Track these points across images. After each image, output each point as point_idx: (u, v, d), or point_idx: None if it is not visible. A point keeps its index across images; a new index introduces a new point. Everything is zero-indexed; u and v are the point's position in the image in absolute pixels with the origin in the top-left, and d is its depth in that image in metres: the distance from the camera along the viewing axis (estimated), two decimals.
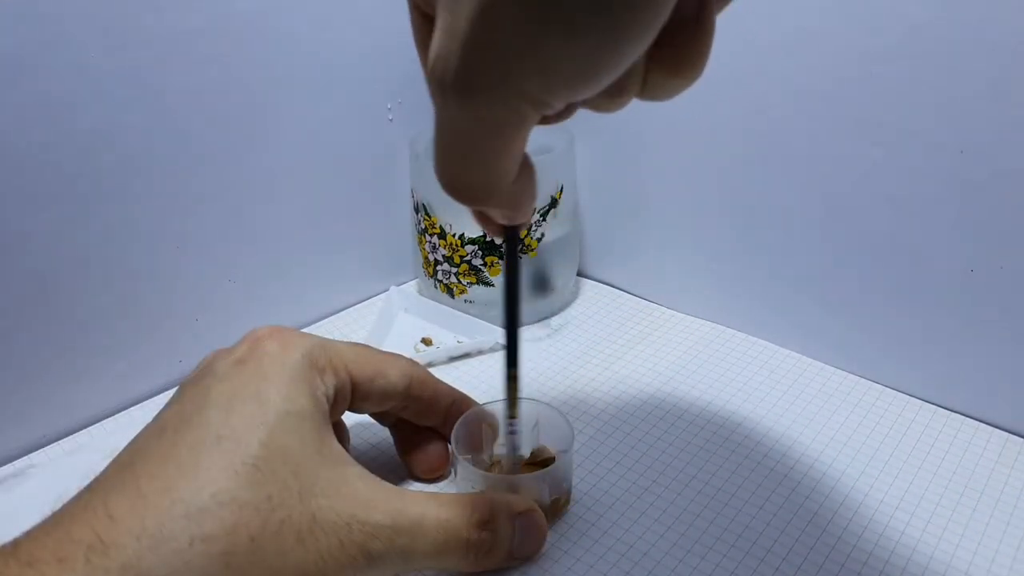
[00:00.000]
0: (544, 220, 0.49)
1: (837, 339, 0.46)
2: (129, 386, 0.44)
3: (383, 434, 0.40)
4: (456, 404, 0.37)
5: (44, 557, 0.23)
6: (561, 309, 0.55)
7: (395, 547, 0.28)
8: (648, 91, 0.19)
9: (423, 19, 0.21)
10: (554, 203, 0.49)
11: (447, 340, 0.50)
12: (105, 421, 0.43)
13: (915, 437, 0.41)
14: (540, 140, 0.51)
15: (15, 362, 0.39)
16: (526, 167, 0.23)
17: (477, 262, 0.50)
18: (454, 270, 0.51)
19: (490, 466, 0.37)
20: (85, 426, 0.43)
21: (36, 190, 0.38)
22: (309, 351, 0.31)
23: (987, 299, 0.39)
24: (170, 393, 0.30)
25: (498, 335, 0.49)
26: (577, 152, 0.52)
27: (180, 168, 0.43)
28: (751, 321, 0.50)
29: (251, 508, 0.25)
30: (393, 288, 0.55)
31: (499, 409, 0.37)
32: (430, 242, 0.51)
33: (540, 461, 0.37)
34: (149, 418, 0.29)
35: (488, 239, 0.49)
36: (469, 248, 0.49)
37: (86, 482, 0.26)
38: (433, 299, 0.53)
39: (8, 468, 0.40)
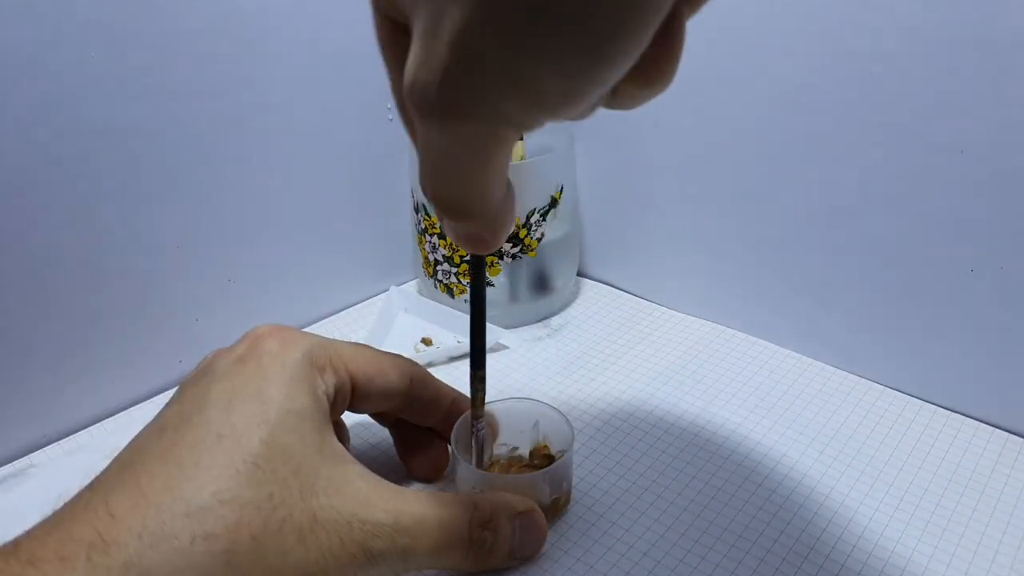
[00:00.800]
0: (544, 220, 0.49)
1: (837, 339, 0.46)
2: (129, 386, 0.44)
3: (383, 434, 0.40)
4: (456, 404, 0.37)
5: (46, 556, 0.23)
6: (561, 309, 0.55)
7: (396, 546, 0.28)
8: (617, 101, 0.19)
9: (392, 26, 0.21)
10: (554, 203, 0.49)
11: (447, 340, 0.50)
12: (105, 421, 0.43)
13: (915, 437, 0.41)
14: (540, 140, 0.51)
15: (15, 362, 0.39)
16: (508, 192, 0.22)
17: None
18: (454, 270, 0.51)
19: (490, 466, 0.37)
20: (85, 426, 0.43)
21: (36, 190, 0.38)
22: (309, 350, 0.31)
23: (987, 299, 0.39)
24: (170, 393, 0.30)
25: (498, 335, 0.49)
26: (577, 152, 0.52)
27: (180, 168, 0.43)
28: (751, 321, 0.50)
29: (252, 506, 0.25)
30: (393, 288, 0.55)
31: (499, 409, 0.37)
32: (430, 242, 0.51)
33: (540, 461, 0.37)
34: (149, 418, 0.29)
35: None
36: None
37: (86, 482, 0.26)
38: (433, 299, 0.53)
39: (8, 468, 0.40)
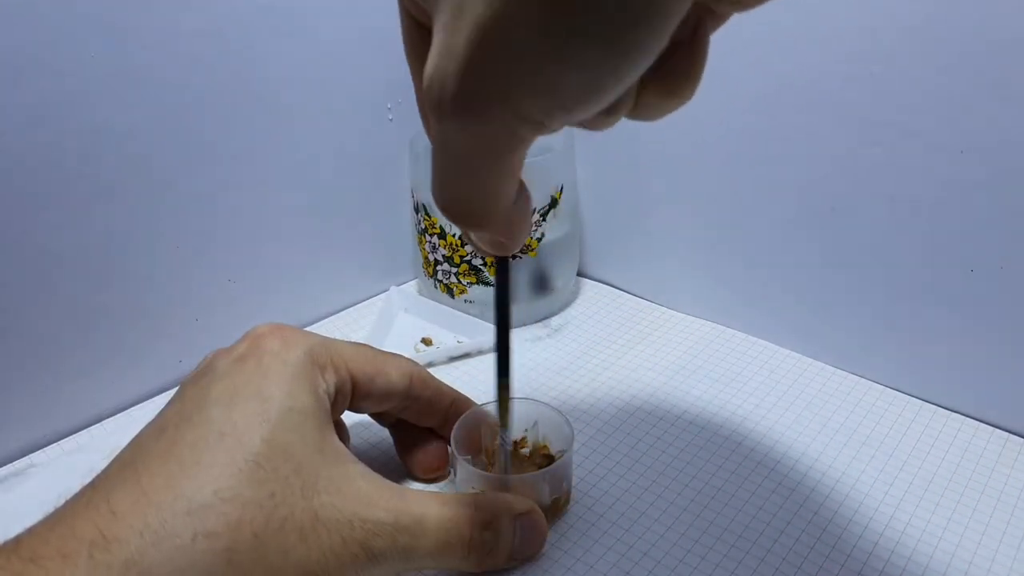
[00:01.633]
0: (544, 220, 0.49)
1: (837, 339, 0.46)
2: (129, 386, 0.44)
3: (383, 434, 0.40)
4: (455, 404, 0.37)
5: (47, 553, 0.23)
6: (561, 309, 0.55)
7: (397, 545, 0.28)
8: (639, 111, 0.19)
9: (416, 27, 0.21)
10: (554, 203, 0.49)
11: (447, 340, 0.50)
12: (105, 421, 0.43)
13: (915, 437, 0.41)
14: (540, 140, 0.51)
15: (15, 362, 0.39)
16: (523, 194, 0.22)
17: (477, 262, 0.50)
18: (454, 270, 0.51)
19: (489, 466, 0.37)
20: (85, 426, 0.43)
21: (36, 190, 0.38)
22: (310, 349, 0.31)
23: (987, 299, 0.39)
24: (170, 393, 0.30)
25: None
26: (577, 152, 0.52)
27: (180, 168, 0.43)
28: (751, 321, 0.50)
29: (254, 505, 0.25)
30: (393, 288, 0.55)
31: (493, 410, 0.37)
32: (430, 242, 0.51)
33: (540, 461, 0.37)
34: (149, 418, 0.29)
35: None
36: (469, 248, 0.49)
37: (86, 481, 0.26)
38: (433, 299, 0.53)
39: (8, 468, 0.40)
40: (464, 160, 0.19)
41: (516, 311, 0.51)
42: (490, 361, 0.48)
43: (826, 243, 0.44)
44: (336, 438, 0.30)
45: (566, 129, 0.51)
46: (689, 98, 0.19)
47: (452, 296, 0.52)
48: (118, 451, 0.28)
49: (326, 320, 0.53)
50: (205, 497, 0.25)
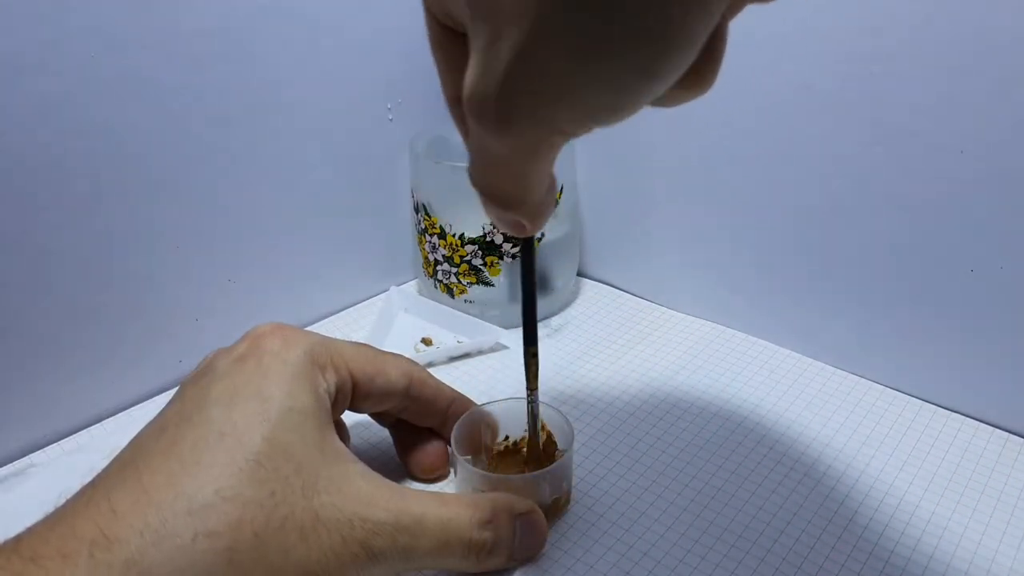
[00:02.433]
0: None
1: (837, 339, 0.46)
2: (129, 386, 0.44)
3: (383, 434, 0.40)
4: (456, 405, 0.37)
5: (48, 553, 0.23)
6: (561, 309, 0.55)
7: (397, 545, 0.28)
8: (659, 103, 0.20)
9: (443, 30, 0.22)
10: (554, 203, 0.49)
11: (447, 340, 0.50)
12: (105, 421, 0.43)
13: (915, 437, 0.41)
14: None
15: (15, 362, 0.39)
16: (551, 183, 0.24)
17: (477, 262, 0.50)
18: (454, 270, 0.51)
19: (489, 466, 0.37)
20: (85, 426, 0.43)
21: (36, 190, 0.38)
22: (310, 348, 0.31)
23: (987, 299, 0.39)
24: (170, 393, 0.30)
25: (498, 335, 0.49)
26: (577, 152, 0.52)
27: (180, 168, 0.43)
28: (751, 321, 0.50)
29: (255, 504, 0.25)
30: (393, 288, 0.54)
31: (498, 409, 0.37)
32: (430, 242, 0.51)
33: (541, 457, 0.37)
34: (149, 418, 0.29)
35: (488, 239, 0.49)
36: (469, 248, 0.49)
37: (87, 481, 0.26)
38: (433, 299, 0.53)
39: (9, 468, 0.40)
40: (501, 161, 0.20)
41: (515, 312, 0.51)
42: (490, 361, 0.49)
43: (826, 243, 0.44)
44: (336, 438, 0.30)
45: None
46: (708, 89, 0.20)
47: (452, 296, 0.52)
48: (118, 451, 0.28)
49: (326, 320, 0.53)
50: (206, 496, 0.25)
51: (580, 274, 0.58)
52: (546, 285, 0.52)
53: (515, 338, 0.50)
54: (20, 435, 0.41)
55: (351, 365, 0.33)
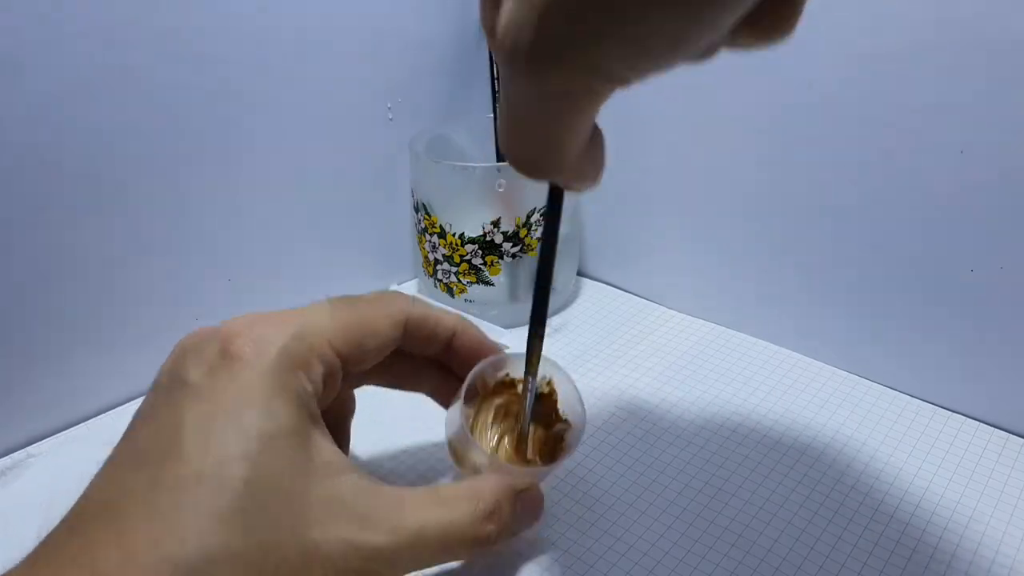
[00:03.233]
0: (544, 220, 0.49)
1: (837, 339, 0.46)
2: (129, 386, 0.44)
3: (383, 431, 0.40)
4: (460, 337, 0.34)
5: None
6: (561, 309, 0.54)
7: (398, 563, 0.27)
8: (736, 48, 0.18)
9: None
10: None
11: None
12: (102, 416, 0.43)
13: (915, 437, 0.41)
14: None
15: (15, 362, 0.39)
16: (595, 135, 0.21)
17: (477, 261, 0.50)
18: (454, 269, 0.51)
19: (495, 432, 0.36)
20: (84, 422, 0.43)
21: (36, 189, 0.38)
22: (286, 347, 0.28)
23: (987, 299, 0.39)
24: None
25: (498, 334, 0.49)
26: None
27: (180, 167, 0.43)
28: (751, 321, 0.50)
29: (243, 561, 0.23)
30: (393, 287, 0.55)
31: (513, 358, 0.35)
32: (430, 241, 0.51)
33: (551, 434, 0.36)
34: None
35: (488, 239, 0.49)
36: (469, 247, 0.49)
37: (83, 480, 0.25)
38: (433, 299, 0.53)
39: (6, 460, 0.40)
40: (535, 113, 0.18)
41: (515, 311, 0.51)
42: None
43: (826, 243, 0.44)
44: (324, 445, 0.27)
45: None
46: (788, 37, 0.17)
47: (452, 295, 0.52)
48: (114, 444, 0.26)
49: None
50: (191, 558, 0.22)
51: (580, 274, 0.58)
52: None
53: (515, 338, 0.50)
54: (19, 434, 0.41)
55: (336, 343, 0.30)
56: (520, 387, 0.35)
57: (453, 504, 0.29)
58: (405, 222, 0.56)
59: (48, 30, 0.36)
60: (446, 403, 0.36)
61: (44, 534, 0.24)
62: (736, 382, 0.46)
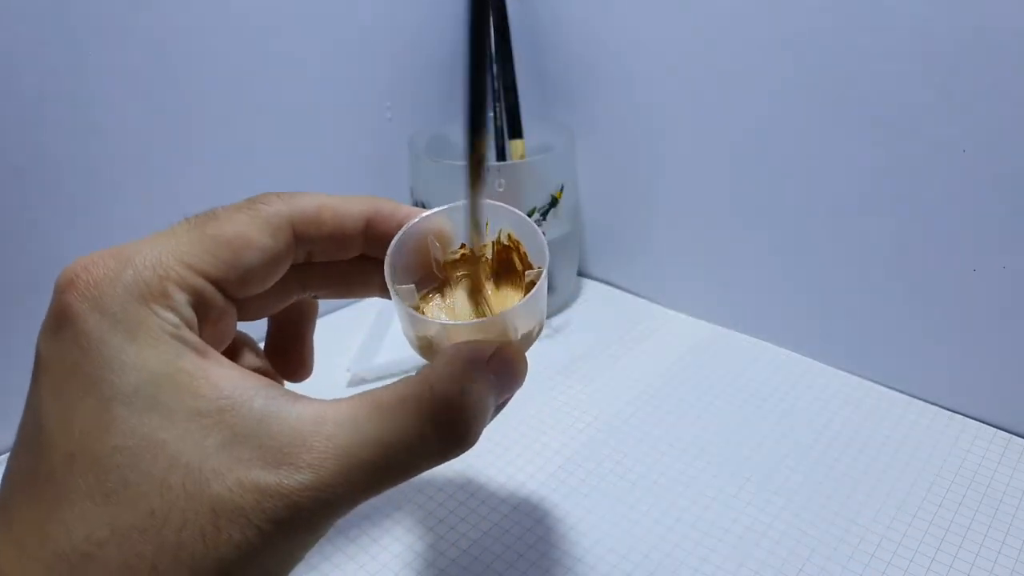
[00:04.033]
0: (544, 219, 0.49)
1: (837, 339, 0.46)
2: None
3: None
4: (376, 223, 0.28)
5: None
6: (561, 309, 0.54)
7: (334, 501, 0.22)
8: None
9: None
10: (554, 203, 0.49)
11: None
12: None
13: (917, 439, 0.41)
14: (540, 139, 0.51)
15: (15, 361, 0.39)
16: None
17: None
18: None
19: (444, 286, 0.29)
20: None
21: (36, 188, 0.38)
22: (132, 283, 0.23)
23: (989, 299, 0.39)
24: None
25: None
26: (577, 151, 0.52)
27: (180, 167, 0.43)
28: (751, 321, 0.50)
29: (136, 533, 0.20)
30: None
31: (445, 216, 0.28)
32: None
33: (525, 284, 0.29)
34: None
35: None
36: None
37: None
38: None
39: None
40: None
41: None
42: None
43: (826, 243, 0.44)
44: (210, 377, 0.22)
45: (566, 128, 0.51)
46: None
47: None
48: None
49: (325, 319, 0.53)
50: (79, 545, 0.20)
51: (580, 274, 0.58)
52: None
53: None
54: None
55: (198, 264, 0.25)
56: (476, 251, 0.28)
57: (397, 408, 0.23)
58: None
59: (48, 29, 0.36)
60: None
61: None
62: (736, 382, 0.46)
